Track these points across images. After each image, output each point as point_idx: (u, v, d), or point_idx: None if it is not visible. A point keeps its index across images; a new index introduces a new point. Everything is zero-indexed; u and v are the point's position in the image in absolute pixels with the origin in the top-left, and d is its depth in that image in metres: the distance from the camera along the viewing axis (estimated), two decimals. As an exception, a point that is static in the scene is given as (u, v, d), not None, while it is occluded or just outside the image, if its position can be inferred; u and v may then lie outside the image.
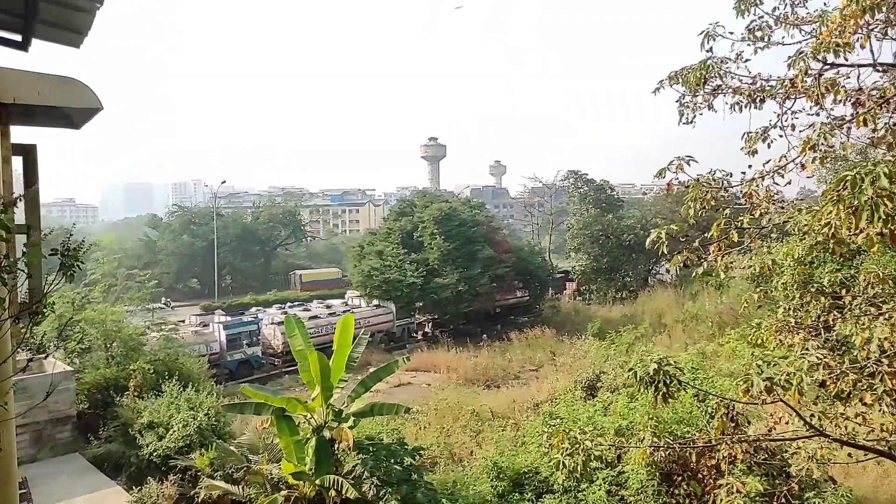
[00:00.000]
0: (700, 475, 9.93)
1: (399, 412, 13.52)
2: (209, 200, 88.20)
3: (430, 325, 47.30)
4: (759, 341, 8.71)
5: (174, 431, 15.00)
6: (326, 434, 12.10)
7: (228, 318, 38.60)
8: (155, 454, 14.86)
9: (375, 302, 45.01)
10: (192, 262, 76.94)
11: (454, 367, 31.51)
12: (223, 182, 75.31)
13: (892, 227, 4.93)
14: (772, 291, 9.56)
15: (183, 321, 36.35)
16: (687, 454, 8.71)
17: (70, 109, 6.18)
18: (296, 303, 51.10)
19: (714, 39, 7.89)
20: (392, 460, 11.70)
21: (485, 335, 42.06)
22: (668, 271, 51.99)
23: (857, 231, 5.15)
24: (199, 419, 15.23)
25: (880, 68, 7.18)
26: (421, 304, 45.75)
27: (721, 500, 6.85)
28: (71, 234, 5.07)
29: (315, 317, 39.78)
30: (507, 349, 36.00)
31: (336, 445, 12.10)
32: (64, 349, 19.95)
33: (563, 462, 6.83)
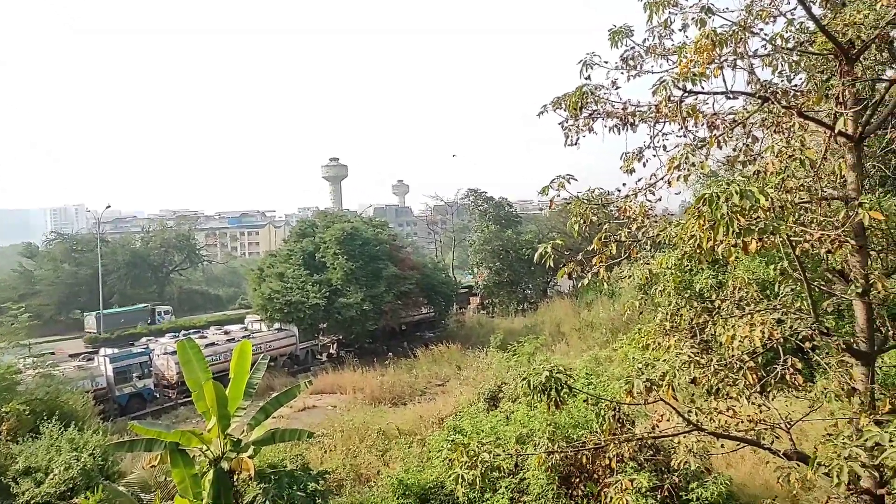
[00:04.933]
0: (596, 475, 10.45)
1: (302, 437, 13.28)
2: (93, 226, 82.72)
3: (335, 345, 46.63)
4: (644, 345, 9.31)
5: (55, 475, 13.92)
6: (225, 465, 11.71)
7: (115, 350, 36.23)
8: (33, 502, 13.71)
9: (277, 325, 43.85)
10: (76, 293, 71.42)
11: (360, 386, 31.22)
12: (108, 206, 70.43)
13: (745, 239, 5.51)
14: (655, 298, 10.30)
15: (52, 353, 33.89)
16: (581, 456, 9.18)
17: None
18: (191, 330, 48.74)
19: (591, 68, 8.40)
20: (295, 487, 11.48)
21: (391, 353, 41.96)
22: (572, 282, 54.25)
23: (718, 242, 5.69)
24: (83, 460, 14.25)
25: (731, 95, 7.96)
26: (325, 324, 45.05)
27: (611, 498, 7.27)
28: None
29: (212, 344, 38.15)
30: (414, 365, 36.11)
31: (235, 476, 11.72)
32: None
33: (462, 476, 7.02)
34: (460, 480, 7.02)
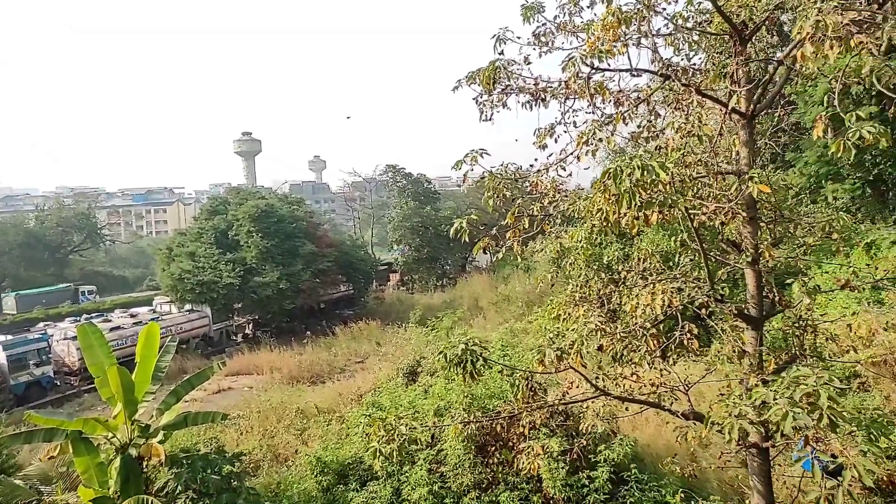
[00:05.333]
0: (511, 443, 10.78)
1: (216, 420, 12.95)
2: (-22, 205, 76.36)
3: (250, 325, 45.52)
4: (556, 315, 9.57)
5: (-60, 473, 12.89)
6: (133, 452, 11.24)
7: (9, 337, 33.77)
8: (-85, 503, 12.66)
9: (189, 306, 42.26)
10: (-38, 276, 66.04)
11: (278, 366, 30.70)
12: (-5, 182, 65.14)
13: (647, 212, 5.74)
14: (567, 270, 10.60)
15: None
16: (496, 425, 9.41)
17: None
18: (94, 314, 46.06)
19: (504, 43, 8.40)
20: (209, 470, 11.16)
21: (308, 331, 41.43)
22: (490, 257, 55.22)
23: (622, 215, 5.89)
24: (-27, 455, 13.28)
25: (636, 73, 8.21)
26: (240, 304, 43.85)
27: (523, 462, 7.51)
28: None
29: (118, 328, 36.26)
30: (333, 343, 35.83)
31: (145, 463, 11.28)
32: None
33: (379, 450, 7.04)
34: (377, 454, 7.04)
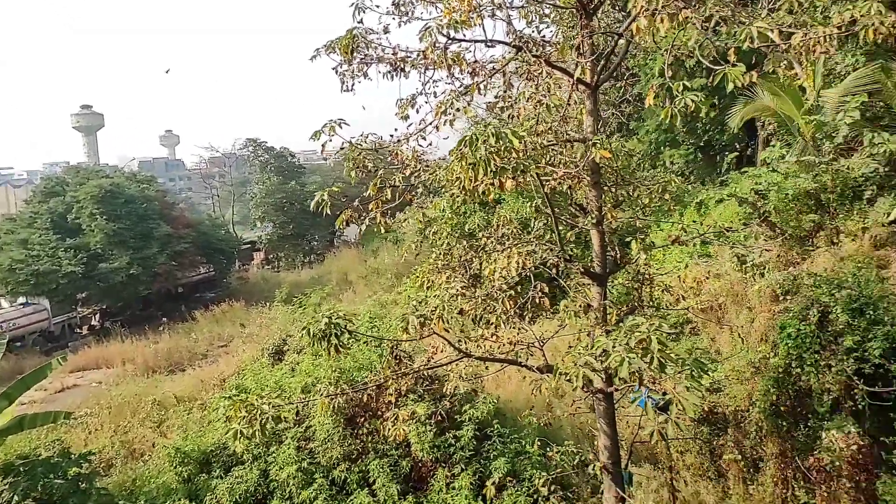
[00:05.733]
0: (379, 412, 10.86)
1: (58, 420, 11.95)
2: None
3: (97, 316, 42.00)
4: (420, 283, 9.69)
5: None
6: (-44, 464, 10.02)
7: None
8: None
9: (22, 299, 38.14)
10: None
11: (131, 357, 28.69)
12: None
13: (501, 178, 5.91)
14: (431, 240, 10.75)
15: None
16: (364, 396, 9.41)
17: None
18: None
19: (364, 12, 8.20)
20: (52, 475, 10.23)
21: (165, 318, 38.98)
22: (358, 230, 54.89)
23: (479, 182, 6.02)
24: None
25: (491, 44, 8.38)
26: (85, 294, 40.27)
27: (390, 429, 7.60)
28: None
29: (-65, 327, 31.95)
30: (193, 329, 34.11)
31: (-28, 474, 10.10)
32: None
33: (240, 431, 6.78)
34: (238, 436, 6.77)
